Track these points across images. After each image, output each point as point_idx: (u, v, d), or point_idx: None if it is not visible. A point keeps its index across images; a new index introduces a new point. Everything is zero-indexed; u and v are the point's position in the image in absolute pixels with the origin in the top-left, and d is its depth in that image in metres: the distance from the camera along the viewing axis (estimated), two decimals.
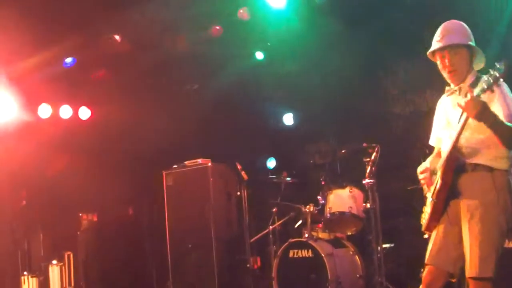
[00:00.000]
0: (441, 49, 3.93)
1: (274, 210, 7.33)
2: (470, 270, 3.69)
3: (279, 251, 6.74)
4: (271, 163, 8.90)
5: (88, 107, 9.10)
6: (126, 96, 8.44)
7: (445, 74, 3.99)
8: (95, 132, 8.69)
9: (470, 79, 3.92)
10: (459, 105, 3.62)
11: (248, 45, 8.37)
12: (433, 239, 3.95)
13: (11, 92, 8.17)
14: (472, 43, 3.94)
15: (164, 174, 7.96)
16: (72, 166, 8.65)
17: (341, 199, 6.72)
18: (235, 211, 7.81)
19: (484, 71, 3.79)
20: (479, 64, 3.99)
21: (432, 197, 3.90)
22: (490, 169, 3.78)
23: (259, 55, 8.54)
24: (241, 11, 7.87)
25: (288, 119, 8.73)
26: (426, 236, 4.09)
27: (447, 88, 4.03)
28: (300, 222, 7.17)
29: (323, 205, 6.88)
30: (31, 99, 8.56)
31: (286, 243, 6.72)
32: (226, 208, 7.78)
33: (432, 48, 3.98)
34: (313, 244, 6.47)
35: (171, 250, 7.80)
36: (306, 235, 6.74)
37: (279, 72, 8.02)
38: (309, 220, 6.82)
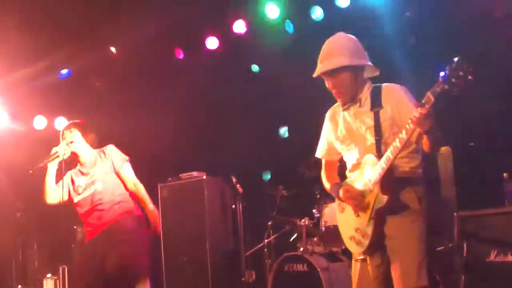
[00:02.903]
0: (323, 74, 3.93)
1: (269, 223, 7.30)
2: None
3: (274, 265, 6.69)
4: (267, 176, 8.87)
5: (83, 119, 9.06)
6: (120, 108, 8.42)
7: (333, 94, 4.00)
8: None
9: (366, 91, 3.94)
10: (416, 120, 3.46)
11: (244, 57, 8.34)
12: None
13: (5, 103, 8.16)
14: (356, 60, 3.90)
15: (159, 186, 7.92)
16: None
17: None
18: (230, 224, 7.76)
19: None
20: (372, 72, 4.00)
21: (370, 215, 3.82)
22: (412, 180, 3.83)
23: (255, 67, 8.53)
24: (237, 23, 7.88)
25: (284, 132, 8.72)
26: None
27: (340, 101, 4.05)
28: (295, 235, 7.12)
29: (318, 219, 6.84)
30: (25, 110, 8.55)
31: (281, 257, 6.66)
32: (221, 221, 7.73)
33: (315, 73, 3.98)
34: (308, 258, 6.42)
35: (165, 263, 7.75)
36: (301, 249, 6.69)
37: (275, 84, 7.98)
38: (304, 233, 6.78)
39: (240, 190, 7.20)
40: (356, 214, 3.94)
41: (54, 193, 5.51)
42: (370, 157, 3.83)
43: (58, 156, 5.39)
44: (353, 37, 4.02)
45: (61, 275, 8.16)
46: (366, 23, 6.93)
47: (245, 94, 8.24)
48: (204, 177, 7.64)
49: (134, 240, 5.25)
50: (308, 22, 7.57)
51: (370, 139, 3.86)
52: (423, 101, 3.41)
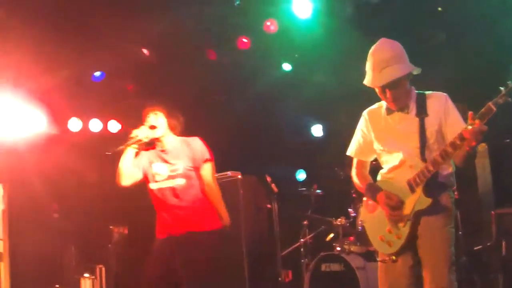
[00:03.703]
0: (384, 86, 3.90)
1: (305, 223, 7.31)
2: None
3: (311, 265, 6.71)
4: (301, 175, 8.87)
5: (118, 120, 9.17)
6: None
7: (388, 103, 4.00)
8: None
9: (412, 97, 3.98)
10: (469, 134, 3.53)
11: (276, 57, 8.34)
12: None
13: (40, 106, 8.26)
14: (408, 64, 3.92)
15: None
16: (103, 179, 8.71)
17: None
18: (266, 224, 7.77)
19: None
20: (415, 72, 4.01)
21: (408, 217, 3.85)
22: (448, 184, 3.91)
23: (287, 67, 8.52)
24: (267, 23, 7.87)
25: (317, 130, 8.71)
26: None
27: (387, 106, 4.04)
28: (331, 235, 7.12)
29: (355, 218, 6.83)
30: (60, 113, 8.65)
31: (318, 257, 6.68)
32: (257, 221, 7.75)
33: (372, 84, 3.96)
34: (345, 257, 6.43)
35: None
36: (338, 248, 6.69)
37: (307, 83, 7.97)
38: (340, 233, 6.77)
39: (275, 189, 7.19)
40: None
41: (130, 175, 5.13)
42: (414, 160, 3.87)
43: (138, 141, 5.07)
44: (398, 43, 4.01)
45: (98, 275, 8.25)
46: (398, 19, 6.90)
47: (278, 94, 8.23)
48: (239, 176, 7.64)
49: (210, 259, 4.98)
50: (338, 19, 7.52)
51: (415, 143, 3.90)
52: (483, 111, 3.48)
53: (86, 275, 8.20)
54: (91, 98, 8.74)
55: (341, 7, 7.45)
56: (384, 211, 3.97)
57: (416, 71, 3.94)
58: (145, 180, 5.19)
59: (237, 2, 7.54)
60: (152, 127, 5.06)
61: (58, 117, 8.73)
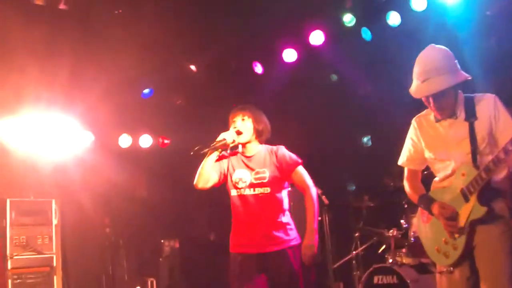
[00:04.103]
0: (431, 96, 3.84)
1: (356, 235, 7.22)
2: None
3: (363, 277, 6.60)
4: (352, 186, 8.79)
5: (167, 136, 9.26)
6: (203, 124, 8.52)
7: (435, 112, 3.94)
8: (174, 160, 8.81)
9: (460, 103, 3.89)
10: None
11: (323, 67, 8.29)
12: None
13: (91, 123, 8.40)
14: (459, 75, 3.83)
15: None
16: (153, 194, 8.80)
17: None
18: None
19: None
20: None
21: (464, 226, 3.77)
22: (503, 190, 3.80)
23: (334, 77, 8.47)
24: (314, 33, 7.84)
25: (367, 141, 8.62)
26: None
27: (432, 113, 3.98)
28: (383, 247, 7.01)
29: (407, 229, 6.71)
30: (111, 129, 8.78)
31: (370, 269, 6.57)
32: None
33: (415, 95, 3.90)
34: (398, 270, 6.31)
35: None
36: (390, 260, 6.58)
37: (356, 93, 7.90)
38: (392, 244, 6.66)
39: (326, 201, 7.12)
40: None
41: (208, 178, 4.78)
42: (466, 168, 3.78)
43: (224, 145, 4.74)
44: (447, 49, 3.94)
45: None
46: (444, 26, 6.78)
47: (326, 105, 8.18)
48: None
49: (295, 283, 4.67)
50: (385, 28, 7.44)
51: (466, 149, 3.81)
52: None
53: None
54: (140, 115, 8.85)
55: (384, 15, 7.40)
56: (440, 222, 3.89)
57: (464, 78, 3.86)
58: (226, 187, 4.93)
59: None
60: (239, 132, 4.80)
61: (109, 134, 8.87)
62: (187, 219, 8.90)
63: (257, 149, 4.89)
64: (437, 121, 3.97)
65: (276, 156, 4.82)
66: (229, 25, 7.64)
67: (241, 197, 4.77)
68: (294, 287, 4.64)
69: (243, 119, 4.85)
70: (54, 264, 7.46)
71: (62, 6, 6.97)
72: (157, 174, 8.84)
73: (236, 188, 4.80)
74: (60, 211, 7.68)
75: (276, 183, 4.77)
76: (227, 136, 4.72)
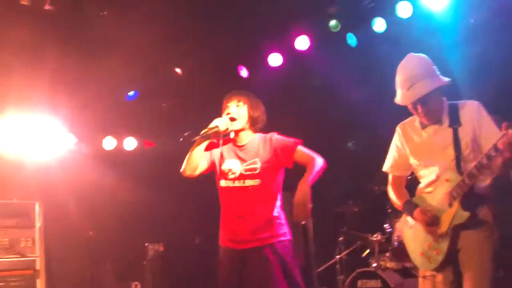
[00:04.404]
0: (415, 102, 3.89)
1: (340, 239, 7.24)
2: None
3: (347, 281, 6.63)
4: (335, 190, 8.80)
5: (151, 139, 9.25)
6: (189, 127, 8.50)
7: (421, 118, 3.99)
8: (159, 163, 8.79)
9: (445, 108, 3.95)
10: (503, 145, 3.46)
11: (309, 72, 8.32)
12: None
13: (73, 125, 8.37)
14: (439, 79, 3.89)
15: None
16: (138, 197, 8.77)
17: None
18: (301, 241, 7.71)
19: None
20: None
21: (446, 231, 3.81)
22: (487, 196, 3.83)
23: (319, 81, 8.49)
24: (299, 38, 7.86)
25: (351, 145, 8.66)
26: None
27: (418, 119, 4.03)
28: (367, 251, 7.04)
29: (391, 234, 6.75)
30: (95, 132, 8.75)
31: (354, 273, 6.61)
32: (292, 238, 7.68)
33: (402, 102, 3.94)
34: (382, 274, 6.35)
35: None
36: (374, 265, 6.61)
37: (340, 98, 7.93)
38: (376, 249, 6.70)
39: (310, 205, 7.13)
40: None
41: (196, 166, 4.56)
42: (450, 173, 3.82)
43: (217, 132, 4.45)
44: (425, 56, 4.01)
45: None
46: (429, 33, 6.83)
47: (311, 109, 8.20)
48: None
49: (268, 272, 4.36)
50: (370, 35, 7.47)
51: (450, 156, 3.86)
52: None
53: None
54: (125, 117, 8.83)
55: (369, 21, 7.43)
56: (423, 228, 3.92)
57: (446, 81, 3.92)
58: (216, 176, 4.67)
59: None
60: (232, 119, 4.51)
61: (93, 136, 8.84)
62: (171, 223, 8.87)
63: (249, 138, 4.62)
64: (423, 127, 4.01)
65: (271, 143, 4.53)
66: (215, 29, 7.64)
67: (230, 189, 4.54)
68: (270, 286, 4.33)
69: (237, 105, 4.59)
70: (37, 267, 7.40)
71: (47, 7, 6.93)
72: (141, 177, 8.81)
73: (225, 179, 4.56)
74: (44, 214, 7.62)
75: (267, 175, 4.48)
76: (220, 123, 4.44)
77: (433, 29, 6.91)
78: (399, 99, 3.95)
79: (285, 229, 4.56)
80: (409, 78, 3.88)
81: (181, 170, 4.59)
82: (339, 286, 7.01)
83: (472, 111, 3.88)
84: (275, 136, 4.59)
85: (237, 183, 4.51)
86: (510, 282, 5.16)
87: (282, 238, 4.49)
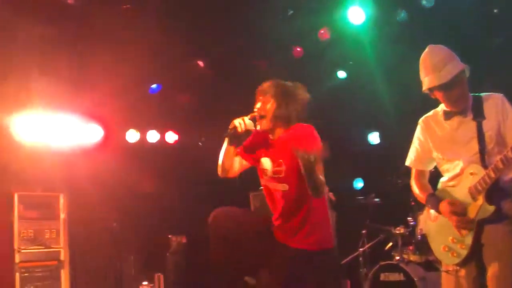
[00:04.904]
0: (445, 85, 3.82)
1: (363, 232, 7.22)
2: None
3: (370, 274, 6.62)
4: (359, 184, 8.79)
5: (175, 131, 9.27)
6: (211, 120, 8.53)
7: (450, 104, 3.91)
8: (182, 155, 8.82)
9: (469, 101, 3.89)
10: None
11: (330, 65, 8.28)
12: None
13: (98, 118, 8.42)
14: (459, 61, 3.86)
15: (250, 196, 7.94)
16: (161, 189, 8.82)
17: None
18: None
19: None
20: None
21: (471, 226, 3.76)
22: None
23: (342, 74, 8.46)
24: (321, 31, 7.83)
25: (374, 138, 8.61)
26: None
27: (444, 109, 3.97)
28: (390, 244, 7.01)
29: (414, 226, 6.71)
30: (118, 124, 8.80)
31: (377, 266, 6.59)
32: None
33: (436, 83, 3.84)
34: (405, 267, 6.32)
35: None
36: (397, 258, 6.58)
37: (363, 90, 7.89)
38: (399, 242, 6.67)
39: (333, 198, 7.12)
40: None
41: (228, 167, 4.39)
42: (474, 167, 3.78)
43: (235, 133, 4.26)
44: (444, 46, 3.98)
45: (157, 283, 8.33)
46: (451, 23, 6.77)
47: (333, 101, 8.17)
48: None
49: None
50: (393, 25, 7.41)
51: (474, 149, 3.81)
52: None
53: (145, 283, 8.28)
54: (148, 110, 8.86)
55: (394, 13, 7.35)
56: (450, 220, 3.87)
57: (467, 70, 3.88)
58: (260, 174, 4.42)
59: (291, 12, 7.54)
60: (254, 117, 4.27)
61: (116, 129, 8.89)
62: (194, 215, 8.90)
63: (279, 135, 4.31)
64: (447, 118, 3.95)
65: (294, 140, 4.02)
66: (238, 21, 7.64)
67: (267, 189, 4.37)
68: None
69: (262, 101, 4.32)
70: (62, 258, 7.49)
71: (70, 1, 6.98)
72: (164, 169, 8.85)
73: (262, 178, 4.39)
74: (68, 206, 7.70)
75: (295, 178, 4.12)
76: (238, 124, 4.22)
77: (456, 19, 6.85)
78: (431, 82, 3.87)
79: (325, 237, 4.26)
80: (437, 62, 3.83)
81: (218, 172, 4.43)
82: (362, 278, 6.99)
83: (496, 104, 3.83)
84: (301, 131, 4.18)
85: (270, 185, 4.32)
86: None
87: (321, 247, 4.23)
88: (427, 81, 3.90)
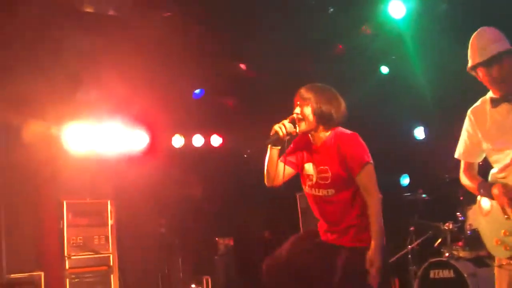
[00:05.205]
0: (488, 61, 3.70)
1: (411, 229, 7.11)
2: None
3: (419, 272, 6.49)
4: (405, 180, 8.67)
5: (219, 135, 9.33)
6: (255, 122, 8.53)
7: (493, 86, 3.77)
8: (227, 159, 8.86)
9: None
10: None
11: (373, 61, 8.21)
12: None
13: (144, 124, 8.52)
14: (508, 41, 3.73)
15: (297, 196, 7.92)
16: (207, 192, 8.88)
17: None
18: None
19: None
20: None
21: None
22: None
23: (385, 69, 8.38)
24: (364, 27, 7.76)
25: (420, 133, 8.50)
26: None
27: (491, 97, 3.83)
28: (439, 240, 6.89)
29: (463, 222, 6.57)
30: (163, 130, 8.89)
31: (426, 263, 6.45)
32: None
33: (479, 59, 3.75)
34: (455, 263, 6.18)
35: None
36: (447, 254, 6.46)
37: (406, 84, 7.79)
38: (449, 238, 6.53)
39: (380, 195, 7.03)
40: (506, 216, 3.75)
41: (274, 175, 4.31)
42: None
43: (277, 139, 4.20)
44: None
45: (205, 286, 8.38)
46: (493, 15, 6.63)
47: (379, 97, 8.09)
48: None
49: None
50: (435, 18, 7.29)
51: None
52: None
53: (193, 286, 8.33)
54: (192, 114, 8.93)
55: (435, 5, 7.24)
56: (502, 202, 3.72)
57: None
58: (303, 180, 4.40)
59: (331, 9, 7.51)
60: (293, 120, 4.22)
61: (162, 135, 8.98)
62: (241, 218, 8.94)
63: (323, 138, 4.26)
64: (495, 105, 3.84)
65: (340, 149, 4.12)
66: (280, 24, 7.63)
67: (310, 195, 4.34)
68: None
69: (301, 105, 4.24)
70: (111, 263, 7.60)
71: (111, 12, 7.08)
72: (210, 173, 8.91)
73: (306, 185, 4.34)
74: (116, 212, 7.82)
75: (341, 183, 4.13)
76: (279, 129, 4.17)
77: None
78: (474, 58, 3.79)
79: (362, 236, 4.16)
80: (483, 42, 3.77)
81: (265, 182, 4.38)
82: (412, 276, 6.88)
83: None
84: (346, 141, 4.16)
85: (314, 191, 4.28)
86: None
87: (358, 245, 4.13)
88: (472, 59, 3.81)
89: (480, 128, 3.93)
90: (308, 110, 4.20)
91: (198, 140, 9.30)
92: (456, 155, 4.15)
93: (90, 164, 7.97)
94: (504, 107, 3.78)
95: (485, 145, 3.91)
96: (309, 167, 4.30)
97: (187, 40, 7.53)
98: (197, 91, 8.92)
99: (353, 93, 8.13)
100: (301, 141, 4.40)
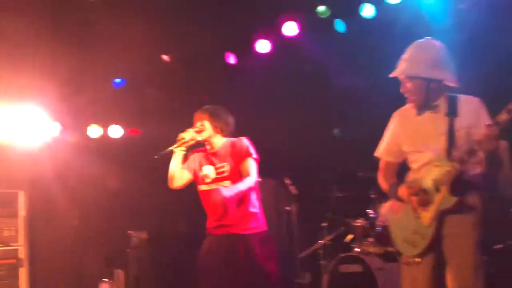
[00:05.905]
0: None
1: (324, 224, 7.26)
2: None
3: (330, 266, 6.66)
4: (320, 176, 8.79)
5: (137, 127, 9.21)
6: (175, 115, 8.50)
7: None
8: (144, 151, 8.77)
9: (442, 99, 3.97)
10: (480, 141, 3.57)
11: (299, 58, 8.24)
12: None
13: (58, 113, 8.32)
14: (431, 72, 3.91)
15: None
16: (123, 185, 8.76)
17: None
18: (285, 226, 7.74)
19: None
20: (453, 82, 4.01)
21: (433, 217, 3.82)
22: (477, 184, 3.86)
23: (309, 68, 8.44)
24: (287, 24, 7.80)
25: (338, 132, 8.63)
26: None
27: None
28: (351, 236, 7.07)
29: (374, 219, 6.78)
30: (80, 119, 8.71)
31: (337, 258, 6.63)
32: (276, 223, 7.71)
33: (392, 74, 4.04)
34: (364, 258, 6.37)
35: None
36: (357, 249, 6.64)
37: (328, 84, 7.92)
38: (359, 234, 6.73)
39: (294, 191, 7.17)
40: (415, 215, 3.90)
41: (179, 177, 5.18)
42: (441, 159, 3.84)
43: (184, 143, 5.11)
44: (441, 46, 4.05)
45: (117, 279, 8.28)
46: (418, 19, 6.84)
47: (298, 96, 8.19)
48: (259, 179, 7.61)
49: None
50: (358, 21, 7.46)
51: (443, 144, 3.87)
52: (498, 119, 3.49)
53: (105, 279, 8.22)
54: (111, 105, 8.79)
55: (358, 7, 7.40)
56: (409, 202, 3.92)
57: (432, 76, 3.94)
58: (197, 183, 5.25)
59: None
60: (198, 131, 5.14)
61: (78, 124, 8.80)
62: (155, 211, 8.87)
63: (220, 144, 5.18)
64: (419, 114, 4.03)
65: (235, 147, 5.08)
66: (203, 16, 7.63)
67: (208, 192, 5.06)
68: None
69: (201, 124, 5.14)
70: (21, 256, 7.40)
71: None
72: (126, 165, 8.79)
73: (203, 183, 5.14)
74: (28, 203, 7.61)
75: (237, 176, 5.00)
76: (186, 135, 5.08)
77: (423, 16, 6.89)
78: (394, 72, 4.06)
79: (259, 222, 5.09)
80: (407, 55, 3.99)
81: (168, 183, 5.20)
82: (322, 271, 7.03)
83: (471, 105, 3.92)
84: (240, 141, 5.10)
85: (213, 186, 5.04)
86: (491, 265, 5.22)
87: (256, 231, 5.02)
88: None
89: (403, 130, 4.12)
90: (206, 124, 5.13)
91: (116, 131, 9.13)
92: (376, 153, 4.31)
93: (2, 153, 7.73)
94: (427, 115, 3.98)
95: (405, 147, 4.08)
96: (207, 168, 5.14)
97: (112, 28, 7.42)
98: (117, 80, 8.78)
99: (276, 89, 8.21)
100: (197, 153, 5.29)
